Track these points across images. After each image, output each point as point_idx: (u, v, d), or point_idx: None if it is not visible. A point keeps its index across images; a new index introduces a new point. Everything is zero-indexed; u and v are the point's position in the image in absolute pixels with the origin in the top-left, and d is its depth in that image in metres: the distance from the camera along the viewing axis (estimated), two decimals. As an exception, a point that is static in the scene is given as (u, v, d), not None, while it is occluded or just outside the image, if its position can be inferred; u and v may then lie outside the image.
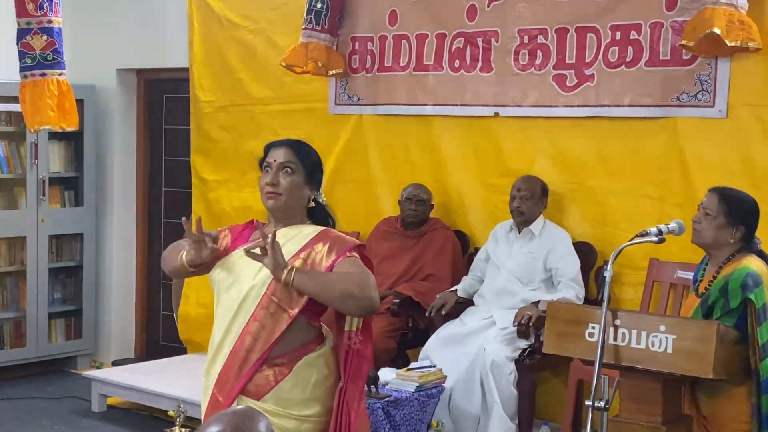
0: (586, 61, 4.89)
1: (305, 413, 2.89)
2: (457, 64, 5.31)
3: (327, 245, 2.89)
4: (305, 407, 2.89)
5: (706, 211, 3.67)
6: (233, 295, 2.92)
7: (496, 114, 5.21)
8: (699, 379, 3.45)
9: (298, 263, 2.86)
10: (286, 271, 2.81)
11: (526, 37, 5.07)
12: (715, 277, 3.64)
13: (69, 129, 5.36)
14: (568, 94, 4.95)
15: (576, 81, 4.93)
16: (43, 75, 5.17)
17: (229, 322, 2.91)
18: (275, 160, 2.94)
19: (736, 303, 3.49)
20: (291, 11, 5.82)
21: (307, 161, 2.96)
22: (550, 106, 5.01)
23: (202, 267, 3.01)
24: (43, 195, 6.51)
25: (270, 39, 5.99)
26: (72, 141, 6.73)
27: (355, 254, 2.90)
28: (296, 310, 2.86)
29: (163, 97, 6.96)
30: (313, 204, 2.99)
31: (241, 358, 2.87)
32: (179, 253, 3.02)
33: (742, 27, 4.25)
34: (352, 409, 2.89)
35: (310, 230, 2.95)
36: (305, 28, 5.51)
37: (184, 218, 3.06)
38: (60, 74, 5.23)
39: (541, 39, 5.02)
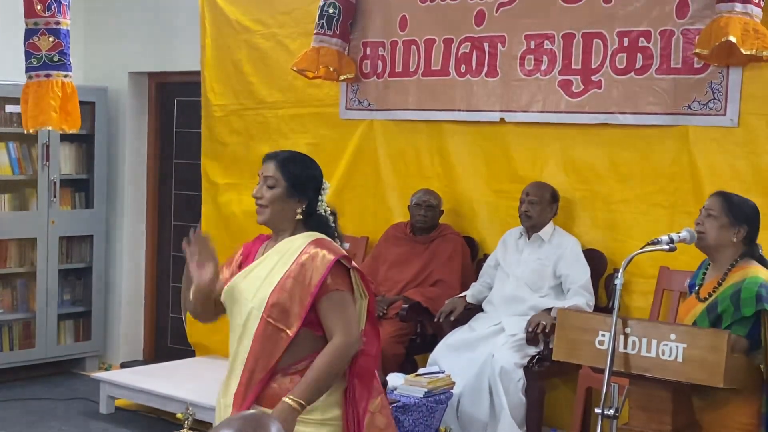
0: (593, 67, 4.88)
1: (324, 417, 2.93)
2: (463, 68, 5.31)
3: (317, 249, 2.94)
4: (323, 411, 2.93)
5: (709, 212, 3.68)
6: (238, 318, 2.99)
7: (502, 119, 5.21)
8: (698, 387, 3.44)
9: (289, 283, 2.90)
10: (294, 405, 2.82)
11: (532, 43, 5.07)
12: (720, 283, 3.63)
13: (70, 131, 5.38)
14: (575, 100, 4.95)
15: (582, 87, 4.92)
16: (48, 76, 5.18)
17: (237, 344, 2.98)
18: (262, 173, 3.04)
19: (750, 312, 3.48)
20: (303, 16, 5.83)
21: (288, 175, 3.00)
22: (557, 111, 5.01)
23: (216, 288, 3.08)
24: (54, 197, 6.52)
25: (282, 43, 6.00)
26: (83, 143, 6.76)
27: (343, 288, 2.92)
28: (294, 329, 2.91)
29: (174, 101, 6.98)
30: (300, 217, 3.02)
31: (248, 378, 2.93)
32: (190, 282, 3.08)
33: (757, 36, 4.24)
34: (360, 407, 2.95)
35: (300, 242, 2.99)
36: (317, 33, 5.52)
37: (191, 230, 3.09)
38: (65, 76, 5.23)
39: (547, 44, 5.02)
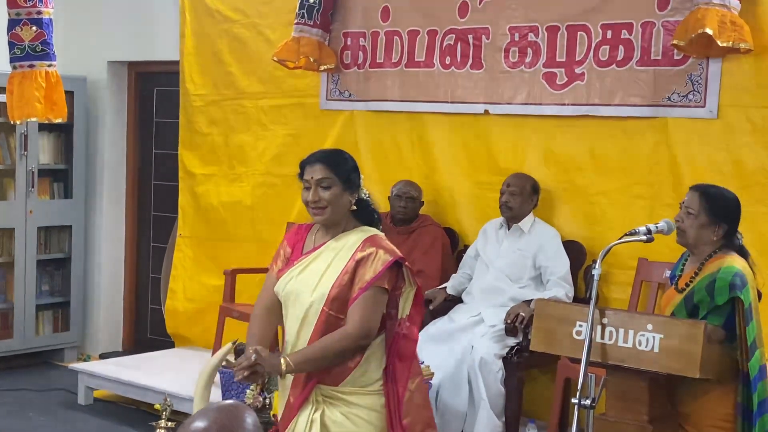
0: (577, 59, 4.89)
1: (364, 402, 3.11)
2: (447, 60, 5.31)
3: (373, 247, 3.09)
4: (380, 383, 3.13)
5: (688, 210, 3.67)
6: (297, 310, 3.13)
7: (486, 111, 5.21)
8: (677, 378, 3.45)
9: (346, 278, 3.06)
10: (284, 367, 3.00)
11: (516, 35, 5.07)
12: (696, 273, 3.64)
13: (56, 121, 5.35)
14: (559, 92, 4.95)
15: (566, 79, 4.93)
16: (31, 66, 5.15)
17: (296, 335, 3.13)
18: (312, 177, 3.12)
19: (723, 300, 3.49)
20: (283, 6, 5.80)
21: (341, 171, 3.13)
22: (540, 104, 5.01)
23: None
24: (32, 187, 6.48)
25: (262, 33, 5.98)
26: (62, 133, 6.71)
27: (384, 285, 3.05)
28: None
29: (154, 90, 6.94)
30: (354, 207, 3.16)
31: None
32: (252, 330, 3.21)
33: (734, 28, 4.25)
34: (399, 386, 3.12)
35: (355, 238, 3.13)
36: (297, 23, 5.50)
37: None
38: (49, 65, 5.20)
39: (531, 36, 5.02)
